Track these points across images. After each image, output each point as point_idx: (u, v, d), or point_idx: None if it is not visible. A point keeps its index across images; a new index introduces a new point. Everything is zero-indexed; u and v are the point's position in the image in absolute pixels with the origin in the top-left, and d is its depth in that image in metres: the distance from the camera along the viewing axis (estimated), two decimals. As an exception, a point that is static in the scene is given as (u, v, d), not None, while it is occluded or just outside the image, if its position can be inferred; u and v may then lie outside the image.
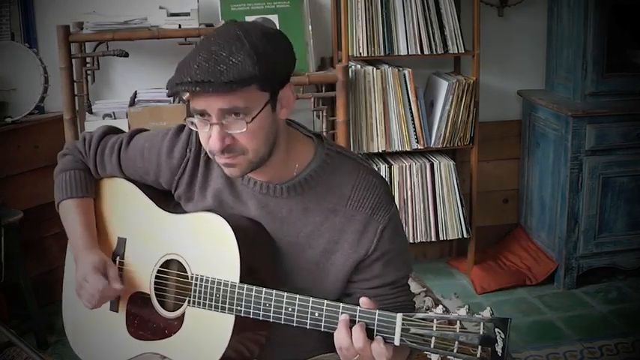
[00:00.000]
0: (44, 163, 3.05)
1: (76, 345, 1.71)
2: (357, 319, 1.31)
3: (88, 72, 3.05)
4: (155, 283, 1.56)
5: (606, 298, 3.32)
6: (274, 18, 3.15)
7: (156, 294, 1.56)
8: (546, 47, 3.62)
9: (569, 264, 3.36)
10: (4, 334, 1.41)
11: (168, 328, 1.52)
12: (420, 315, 1.26)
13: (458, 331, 1.23)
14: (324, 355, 1.60)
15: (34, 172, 3.03)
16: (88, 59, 3.06)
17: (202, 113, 1.35)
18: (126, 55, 2.93)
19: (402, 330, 1.27)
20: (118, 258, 1.63)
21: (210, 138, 1.36)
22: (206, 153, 1.50)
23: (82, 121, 2.98)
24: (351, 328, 1.31)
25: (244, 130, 1.33)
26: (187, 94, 1.36)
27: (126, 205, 1.65)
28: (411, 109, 3.21)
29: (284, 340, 1.55)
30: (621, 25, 3.34)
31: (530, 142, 3.63)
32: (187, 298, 1.48)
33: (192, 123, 1.39)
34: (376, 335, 1.29)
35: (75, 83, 2.93)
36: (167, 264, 1.56)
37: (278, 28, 3.15)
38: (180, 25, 2.93)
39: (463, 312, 1.24)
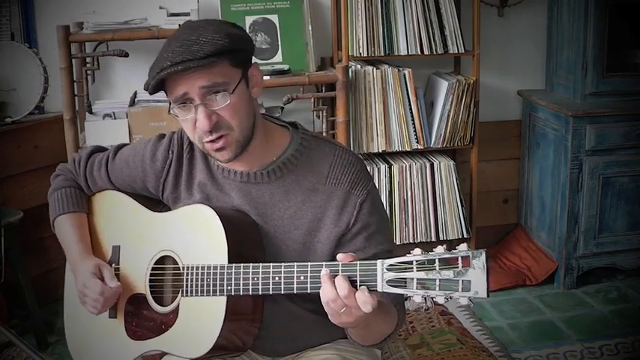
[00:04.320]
0: (44, 163, 3.05)
1: (78, 357, 1.73)
2: (339, 273, 1.33)
3: (88, 72, 3.05)
4: (150, 281, 1.58)
5: (606, 298, 3.32)
6: (274, 18, 3.15)
7: (151, 292, 1.58)
8: (546, 47, 3.62)
9: (569, 264, 3.36)
10: (4, 334, 1.41)
11: (165, 323, 1.54)
12: (400, 259, 1.28)
13: (438, 269, 1.25)
14: (323, 345, 1.62)
15: (34, 172, 3.04)
16: (88, 59, 3.06)
17: (184, 99, 1.42)
18: (126, 55, 2.93)
19: (384, 275, 1.29)
20: (113, 265, 1.65)
21: (196, 122, 1.43)
22: (189, 151, 1.60)
23: (82, 121, 2.98)
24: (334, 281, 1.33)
25: (228, 102, 1.42)
26: (163, 91, 1.46)
27: (117, 214, 1.70)
28: (411, 109, 3.21)
29: (279, 333, 1.58)
30: (621, 24, 3.34)
31: (530, 142, 3.63)
32: (180, 289, 1.51)
33: (175, 114, 1.46)
34: (360, 285, 1.31)
35: (75, 83, 2.93)
36: (161, 261, 1.58)
37: (278, 28, 3.15)
38: (180, 25, 2.92)
39: (440, 249, 1.27)
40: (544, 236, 3.54)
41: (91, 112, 2.97)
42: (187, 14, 2.96)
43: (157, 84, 1.43)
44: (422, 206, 3.28)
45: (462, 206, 3.31)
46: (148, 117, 2.88)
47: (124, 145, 1.73)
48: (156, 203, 1.67)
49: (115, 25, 2.90)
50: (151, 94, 1.48)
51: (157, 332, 1.55)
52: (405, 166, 3.26)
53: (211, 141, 1.45)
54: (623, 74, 3.37)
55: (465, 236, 3.34)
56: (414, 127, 3.23)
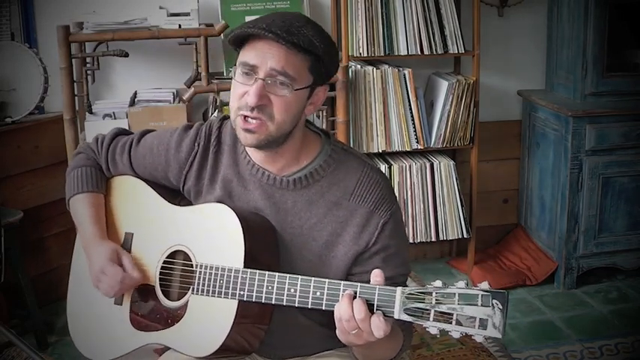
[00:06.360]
0: (44, 163, 3.05)
1: (78, 338, 1.71)
2: (357, 295, 1.33)
3: (88, 72, 3.05)
4: (160, 274, 1.57)
5: (606, 298, 3.32)
6: (274, 18, 3.15)
7: (161, 285, 1.57)
8: (546, 47, 3.62)
9: (569, 264, 3.36)
10: (4, 334, 1.41)
11: (171, 318, 1.53)
12: (419, 289, 1.28)
13: (457, 304, 1.24)
14: (327, 352, 1.62)
15: (34, 172, 3.03)
16: (88, 59, 3.05)
17: (251, 68, 1.41)
18: (126, 55, 2.93)
19: (402, 303, 1.29)
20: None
21: (246, 93, 1.41)
22: (216, 144, 1.57)
23: (82, 121, 2.98)
24: (352, 301, 1.33)
25: (285, 96, 1.40)
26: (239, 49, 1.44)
27: (134, 201, 1.68)
28: (411, 109, 3.21)
29: (285, 340, 1.57)
30: (621, 24, 3.34)
31: (530, 142, 3.63)
32: (191, 287, 1.50)
33: (233, 76, 1.44)
34: (376, 310, 1.31)
35: (75, 83, 2.92)
36: (173, 255, 1.57)
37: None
38: (180, 25, 2.93)
39: (462, 284, 1.26)
40: (544, 236, 3.54)
41: (91, 112, 2.97)
42: (187, 14, 2.96)
43: (240, 39, 1.42)
44: (422, 206, 3.28)
45: (461, 206, 3.31)
46: (148, 117, 2.87)
47: (149, 131, 1.71)
48: (175, 195, 1.65)
49: (115, 25, 2.89)
50: (230, 42, 1.45)
51: (162, 326, 1.54)
52: (405, 166, 3.26)
53: (246, 118, 1.42)
54: (623, 74, 3.37)
55: (465, 236, 3.34)
56: (414, 127, 3.23)
